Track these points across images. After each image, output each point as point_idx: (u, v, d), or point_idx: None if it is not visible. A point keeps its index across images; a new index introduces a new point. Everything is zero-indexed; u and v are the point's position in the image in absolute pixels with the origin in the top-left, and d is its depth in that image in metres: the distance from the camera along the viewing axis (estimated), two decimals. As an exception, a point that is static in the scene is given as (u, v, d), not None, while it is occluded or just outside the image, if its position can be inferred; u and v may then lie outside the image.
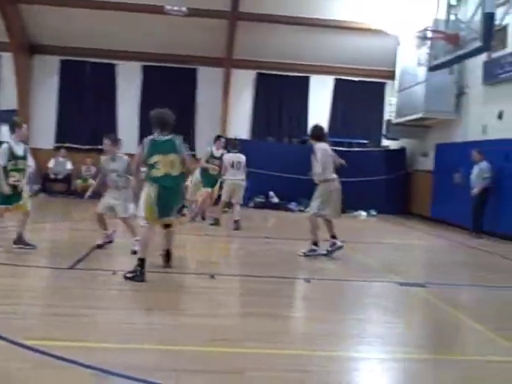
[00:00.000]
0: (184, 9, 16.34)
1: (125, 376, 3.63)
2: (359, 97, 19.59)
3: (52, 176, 17.92)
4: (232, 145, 12.42)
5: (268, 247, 9.97)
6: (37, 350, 3.97)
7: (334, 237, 9.02)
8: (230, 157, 12.04)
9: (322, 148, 8.91)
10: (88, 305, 5.43)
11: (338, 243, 8.99)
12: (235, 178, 11.93)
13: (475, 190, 12.75)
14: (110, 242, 8.58)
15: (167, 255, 7.29)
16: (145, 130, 18.64)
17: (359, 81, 19.55)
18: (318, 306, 6.24)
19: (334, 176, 9.01)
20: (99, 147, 18.55)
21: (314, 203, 8.95)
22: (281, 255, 9.37)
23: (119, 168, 8.32)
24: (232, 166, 11.91)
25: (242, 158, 12.11)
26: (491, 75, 13.60)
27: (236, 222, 11.73)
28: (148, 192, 6.74)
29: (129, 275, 6.41)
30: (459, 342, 5.02)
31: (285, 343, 4.61)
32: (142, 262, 6.45)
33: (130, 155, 16.12)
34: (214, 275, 7.06)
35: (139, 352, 4.18)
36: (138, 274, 6.38)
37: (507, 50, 13.03)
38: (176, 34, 17.68)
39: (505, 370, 4.37)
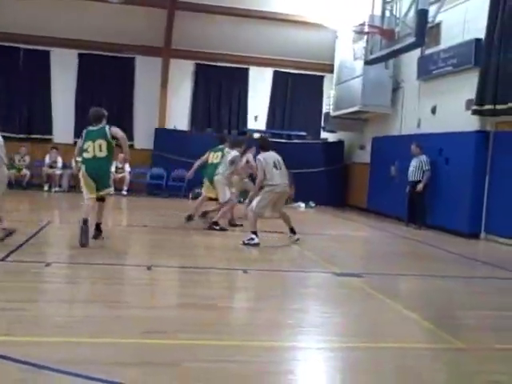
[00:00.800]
0: (122, -4, 16.02)
1: (56, 370, 3.52)
2: (298, 89, 19.77)
3: (-17, 166, 17.25)
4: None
5: (206, 238, 9.93)
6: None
7: (292, 230, 9.72)
8: None
9: (263, 157, 9.46)
10: (20, 298, 5.24)
11: (295, 237, 9.66)
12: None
13: (420, 186, 12.96)
14: (11, 233, 8.06)
15: (98, 228, 8.41)
16: (81, 118, 18.23)
17: (298, 73, 19.71)
18: (255, 297, 6.25)
19: (279, 182, 9.40)
20: (33, 136, 18.16)
21: (255, 203, 9.41)
22: (219, 246, 9.38)
23: None
24: None
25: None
26: (425, 71, 13.94)
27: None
28: (83, 172, 8.25)
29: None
30: (394, 331, 5.12)
31: (223, 334, 4.59)
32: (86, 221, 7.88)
33: (67, 145, 16.08)
34: (150, 267, 6.97)
35: (72, 345, 4.06)
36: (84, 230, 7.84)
37: (440, 47, 13.38)
38: (114, 21, 17.32)
39: (439, 357, 4.48)
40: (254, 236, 9.18)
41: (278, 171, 9.45)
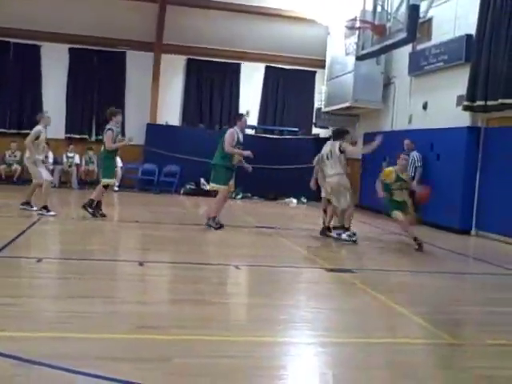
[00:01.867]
0: (113, -10, 15.94)
1: (48, 365, 3.52)
2: (290, 85, 19.75)
3: (-26, 161, 17.18)
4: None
5: (198, 234, 9.92)
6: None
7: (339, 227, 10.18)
8: None
9: (324, 147, 10.14)
10: (12, 293, 5.23)
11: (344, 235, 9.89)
12: None
13: (414, 184, 12.91)
14: None
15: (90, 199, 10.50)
16: (72, 113, 18.24)
17: (290, 69, 19.68)
18: (246, 292, 6.26)
19: (328, 173, 9.93)
20: (24, 131, 18.00)
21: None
22: (211, 242, 9.38)
23: None
24: None
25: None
26: (416, 66, 13.97)
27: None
28: None
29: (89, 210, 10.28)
30: (386, 326, 5.15)
31: (214, 329, 4.59)
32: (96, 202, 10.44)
33: (57, 140, 16.19)
34: (142, 262, 6.96)
35: (65, 341, 4.06)
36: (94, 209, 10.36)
37: (431, 43, 13.42)
38: (105, 16, 17.23)
39: (431, 353, 4.51)
40: (347, 231, 9.79)
41: (328, 162, 9.87)
